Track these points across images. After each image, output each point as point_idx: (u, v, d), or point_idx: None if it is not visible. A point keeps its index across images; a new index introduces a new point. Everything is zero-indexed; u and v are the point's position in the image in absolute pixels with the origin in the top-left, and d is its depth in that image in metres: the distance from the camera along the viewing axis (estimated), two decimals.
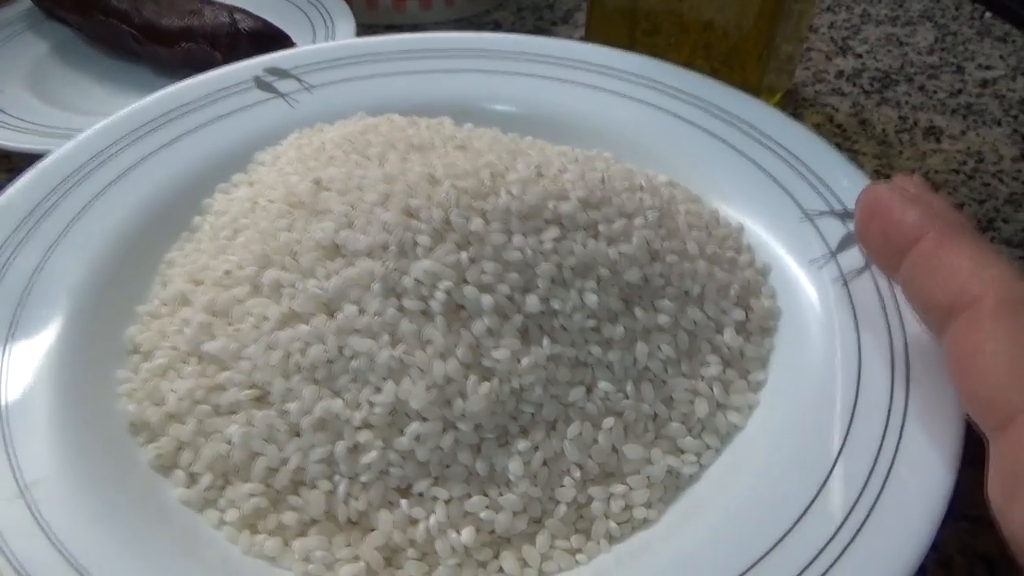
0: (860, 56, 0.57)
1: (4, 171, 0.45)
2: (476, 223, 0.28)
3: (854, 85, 0.54)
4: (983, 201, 0.45)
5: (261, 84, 0.41)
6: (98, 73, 0.51)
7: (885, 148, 0.48)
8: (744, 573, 0.23)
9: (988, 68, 0.56)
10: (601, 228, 0.29)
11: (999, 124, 0.50)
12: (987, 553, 0.29)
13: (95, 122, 0.44)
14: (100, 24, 0.50)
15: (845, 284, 0.30)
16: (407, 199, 0.29)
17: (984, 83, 0.55)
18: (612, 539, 0.26)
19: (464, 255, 0.28)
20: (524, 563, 0.25)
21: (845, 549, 0.23)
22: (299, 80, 0.41)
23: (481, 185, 0.29)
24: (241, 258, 0.30)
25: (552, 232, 0.29)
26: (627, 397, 0.28)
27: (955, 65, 0.56)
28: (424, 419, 0.26)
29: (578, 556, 0.25)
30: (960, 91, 0.54)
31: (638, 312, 0.29)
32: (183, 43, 0.47)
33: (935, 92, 0.53)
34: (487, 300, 0.27)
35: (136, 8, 0.49)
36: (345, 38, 0.51)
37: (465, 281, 0.28)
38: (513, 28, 0.60)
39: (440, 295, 0.27)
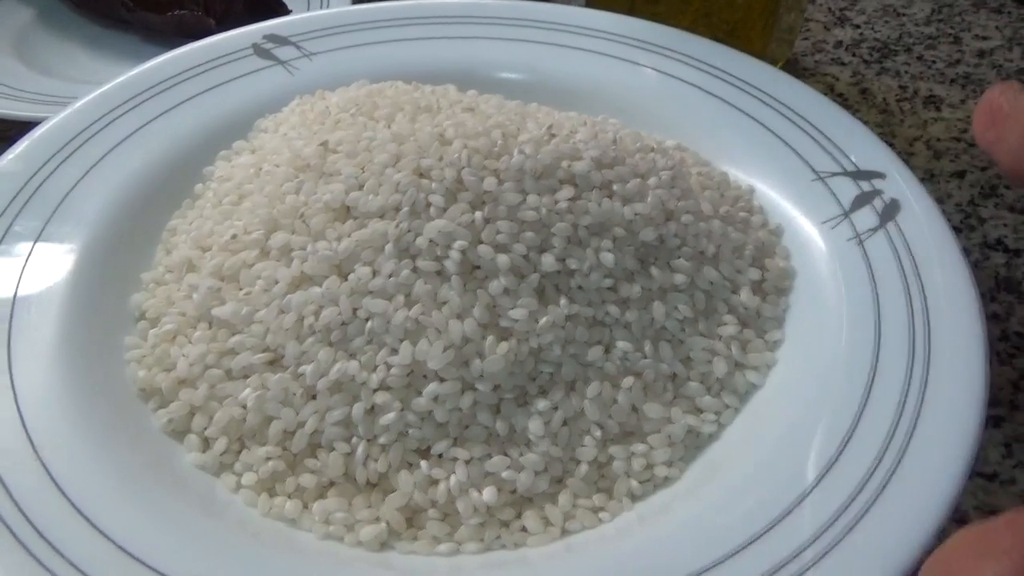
0: (858, 27, 0.57)
1: None
2: (489, 182, 0.28)
3: (853, 55, 0.54)
4: (984, 168, 0.45)
5: (260, 51, 0.40)
6: (85, 40, 0.50)
7: (887, 117, 0.48)
8: (769, 530, 0.23)
9: (984, 39, 0.56)
10: (615, 188, 0.29)
11: None
12: (1002, 509, 0.29)
13: (84, 89, 0.43)
14: None
15: (860, 243, 0.30)
16: (418, 159, 0.28)
17: (981, 53, 0.55)
18: (634, 498, 0.26)
19: (478, 215, 0.27)
20: (547, 522, 0.25)
21: (870, 506, 0.23)
22: (298, 47, 0.40)
23: (493, 145, 0.29)
24: (247, 222, 0.30)
25: (567, 191, 0.28)
26: (646, 356, 0.27)
27: (952, 36, 0.56)
28: (442, 380, 0.26)
29: (601, 515, 0.25)
30: (958, 61, 0.54)
31: (654, 271, 0.28)
32: (175, 9, 0.46)
33: (934, 62, 0.53)
34: (503, 260, 0.27)
35: None
36: (341, 4, 0.50)
37: (480, 241, 0.27)
38: None
39: (455, 255, 0.27)
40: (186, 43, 0.42)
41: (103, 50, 0.50)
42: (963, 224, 0.41)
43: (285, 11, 0.48)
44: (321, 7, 0.50)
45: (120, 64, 0.48)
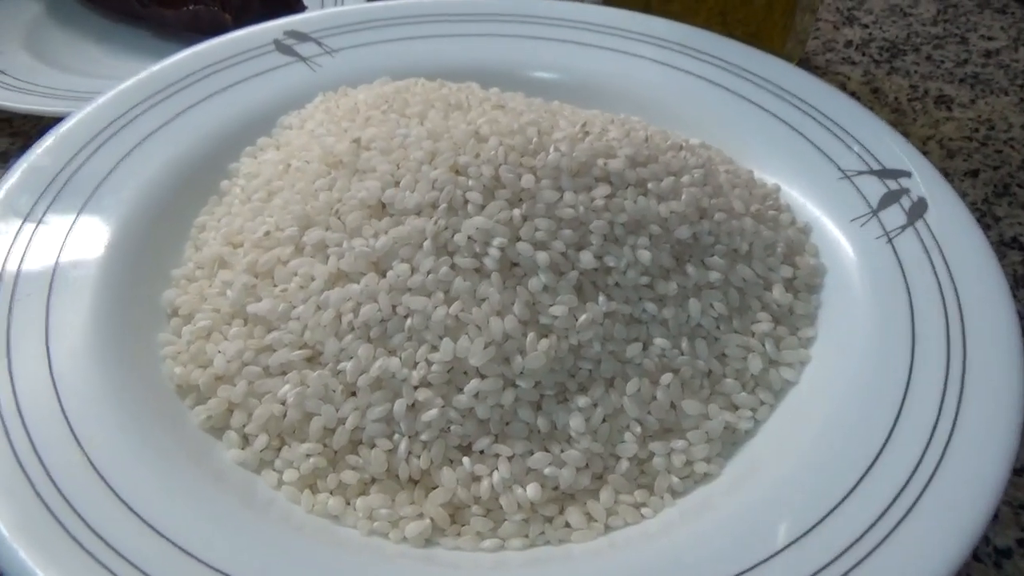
0: (866, 26, 0.58)
1: (6, 135, 0.43)
2: (527, 179, 0.28)
3: (863, 55, 0.54)
4: (997, 167, 0.45)
5: (281, 47, 0.40)
6: (96, 34, 0.50)
7: (899, 116, 0.49)
8: (813, 528, 0.23)
9: (990, 39, 0.57)
10: (650, 186, 0.29)
11: (1006, 93, 0.51)
12: None
13: (98, 85, 0.43)
14: None
15: (889, 241, 0.30)
16: (455, 156, 0.28)
17: (988, 53, 0.55)
18: (675, 494, 0.26)
19: (516, 212, 0.27)
20: (590, 518, 0.25)
21: (915, 503, 0.23)
22: (320, 44, 0.40)
23: (528, 142, 0.29)
24: (280, 219, 0.30)
25: (603, 189, 0.28)
26: (683, 353, 0.27)
27: (959, 36, 0.57)
28: (483, 376, 0.26)
29: (643, 510, 0.25)
30: (966, 61, 0.54)
31: (690, 269, 0.28)
32: (191, 5, 0.46)
33: (942, 62, 0.54)
34: (542, 257, 0.27)
35: None
36: (358, 1, 0.49)
37: (518, 238, 0.27)
38: None
39: (494, 252, 0.27)
40: (199, 38, 0.42)
41: (114, 44, 0.49)
42: (978, 223, 0.41)
43: (301, 7, 0.48)
44: (336, 4, 0.50)
45: (132, 59, 0.48)
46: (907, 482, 0.23)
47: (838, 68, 0.53)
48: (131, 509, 0.22)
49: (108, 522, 0.21)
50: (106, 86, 0.43)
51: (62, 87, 0.44)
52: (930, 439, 0.24)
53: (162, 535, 0.21)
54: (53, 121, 0.41)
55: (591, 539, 0.25)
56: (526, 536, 0.24)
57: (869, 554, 0.22)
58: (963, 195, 0.43)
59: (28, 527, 0.21)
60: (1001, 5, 0.61)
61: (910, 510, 0.22)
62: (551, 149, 0.29)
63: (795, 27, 0.46)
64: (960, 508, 0.22)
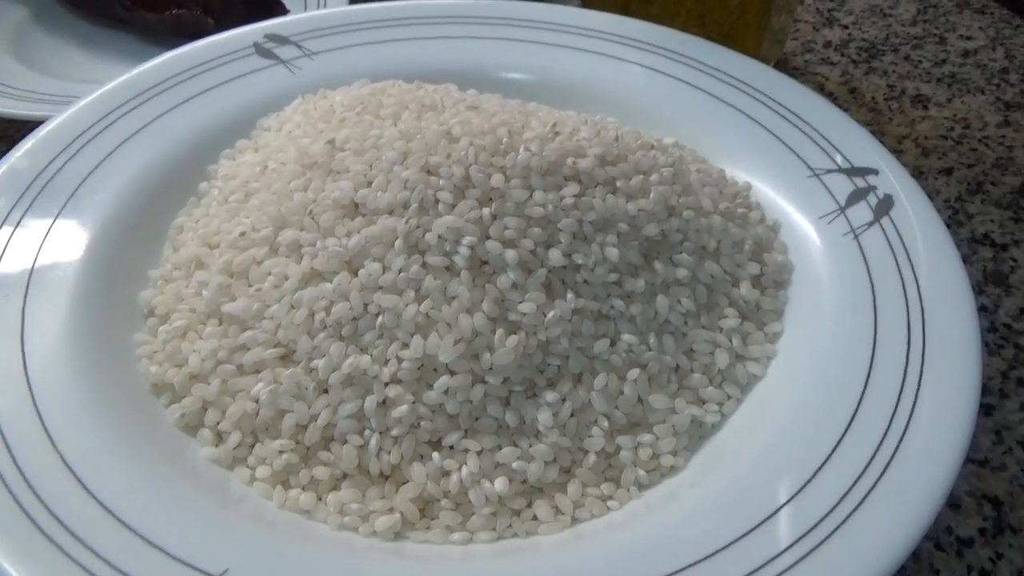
0: (846, 27, 0.58)
1: None
2: (496, 179, 0.28)
3: (842, 55, 0.55)
4: (972, 165, 0.46)
5: (261, 50, 0.40)
6: (81, 38, 0.50)
7: (876, 115, 0.49)
8: (772, 515, 0.24)
9: (969, 39, 0.57)
10: (619, 184, 0.30)
11: (982, 92, 0.52)
12: (994, 494, 0.30)
13: (81, 88, 0.44)
14: None
15: (856, 238, 0.31)
16: (426, 156, 0.29)
17: (966, 53, 0.56)
18: (641, 486, 0.26)
19: (486, 211, 0.28)
20: (557, 510, 0.25)
21: (871, 490, 0.23)
22: (299, 46, 0.41)
23: (499, 142, 0.29)
24: (255, 220, 0.30)
25: (572, 188, 0.29)
26: (650, 349, 0.28)
27: (937, 36, 0.58)
28: (453, 373, 0.26)
29: (609, 503, 0.26)
30: (944, 61, 0.55)
31: (658, 266, 0.29)
32: (173, 8, 0.46)
33: (920, 62, 0.55)
34: (511, 255, 0.27)
35: None
36: (338, 4, 0.50)
37: (488, 236, 0.28)
38: None
39: (464, 250, 0.27)
40: (183, 42, 0.42)
41: (99, 49, 0.50)
42: (951, 220, 0.42)
43: (283, 11, 0.48)
44: (319, 7, 0.50)
45: (116, 63, 0.48)
46: (863, 472, 0.24)
47: (817, 68, 0.53)
48: (104, 506, 0.22)
49: (81, 519, 0.22)
50: (91, 90, 0.44)
51: (48, 91, 0.44)
52: (887, 431, 0.24)
53: (135, 532, 0.22)
54: (37, 125, 0.41)
55: (558, 531, 0.25)
56: (494, 529, 0.25)
57: (824, 540, 0.22)
58: (937, 192, 0.44)
59: (1, 525, 0.22)
60: (980, 5, 0.62)
61: (865, 498, 0.23)
62: (521, 149, 0.29)
63: (771, 27, 0.47)
64: (914, 496, 0.23)
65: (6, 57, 0.47)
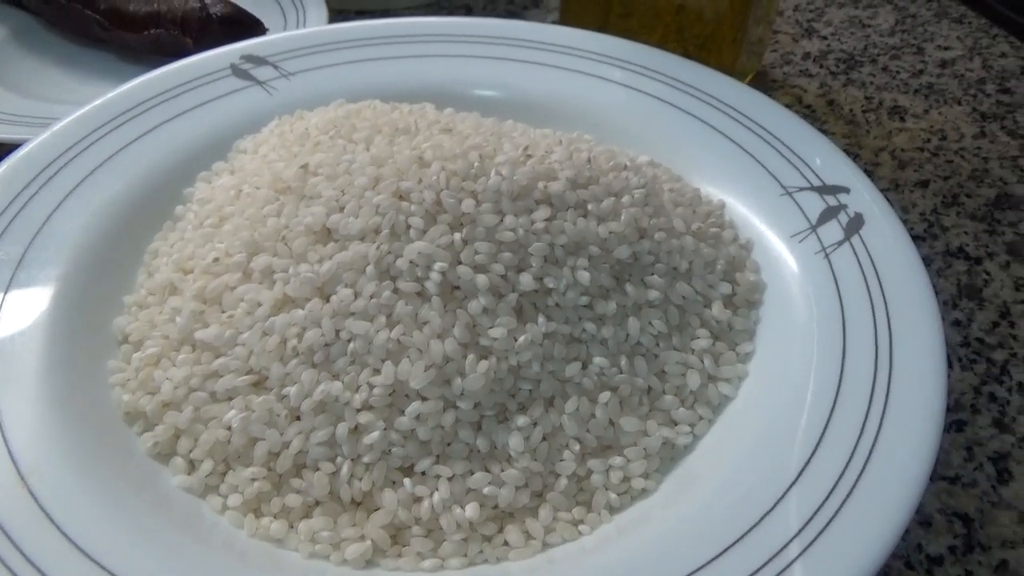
0: (825, 38, 0.58)
1: None
2: (467, 204, 0.29)
3: (821, 67, 0.55)
4: (947, 177, 0.46)
5: (238, 72, 0.40)
6: (61, 59, 0.50)
7: (853, 127, 0.50)
8: (743, 536, 0.24)
9: (946, 49, 0.58)
10: (590, 207, 0.30)
11: (959, 103, 0.52)
12: (964, 511, 0.30)
13: (62, 110, 0.44)
14: (63, 10, 0.49)
15: (827, 256, 0.31)
16: (398, 182, 0.29)
17: (943, 63, 0.56)
18: (613, 510, 0.26)
19: (457, 236, 0.28)
20: (528, 535, 0.26)
21: (839, 510, 0.24)
22: (276, 67, 0.41)
23: (470, 167, 0.30)
24: (229, 245, 0.30)
25: (543, 212, 0.29)
26: (621, 371, 0.28)
27: (915, 46, 0.58)
28: (424, 398, 0.26)
29: (580, 527, 0.26)
30: (921, 71, 0.55)
31: (629, 288, 0.29)
32: (151, 29, 0.46)
33: (898, 73, 0.55)
34: (482, 280, 0.27)
35: None
36: (317, 24, 0.50)
37: (459, 262, 0.28)
38: (483, 12, 0.60)
39: (435, 276, 0.27)
40: (162, 60, 0.42)
41: (79, 69, 0.50)
42: (926, 233, 0.42)
43: (262, 30, 0.48)
44: (298, 27, 0.50)
45: (96, 83, 0.48)
46: (830, 492, 0.24)
47: (795, 81, 0.54)
48: (72, 542, 0.22)
49: (48, 555, 0.22)
50: (70, 111, 0.44)
51: (28, 113, 0.44)
52: (853, 450, 0.25)
53: (104, 568, 0.22)
54: (15, 147, 0.41)
55: (529, 556, 0.25)
56: (465, 555, 0.25)
57: (794, 560, 0.23)
58: (913, 205, 0.44)
59: None
60: (959, 14, 0.62)
61: (833, 517, 0.23)
62: (492, 173, 0.29)
63: (748, 39, 0.47)
64: (881, 515, 0.23)
65: None
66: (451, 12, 0.59)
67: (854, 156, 0.47)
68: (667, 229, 0.31)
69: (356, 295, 0.28)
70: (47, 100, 0.46)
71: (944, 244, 0.42)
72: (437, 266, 0.27)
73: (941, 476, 0.31)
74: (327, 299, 0.28)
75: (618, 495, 0.27)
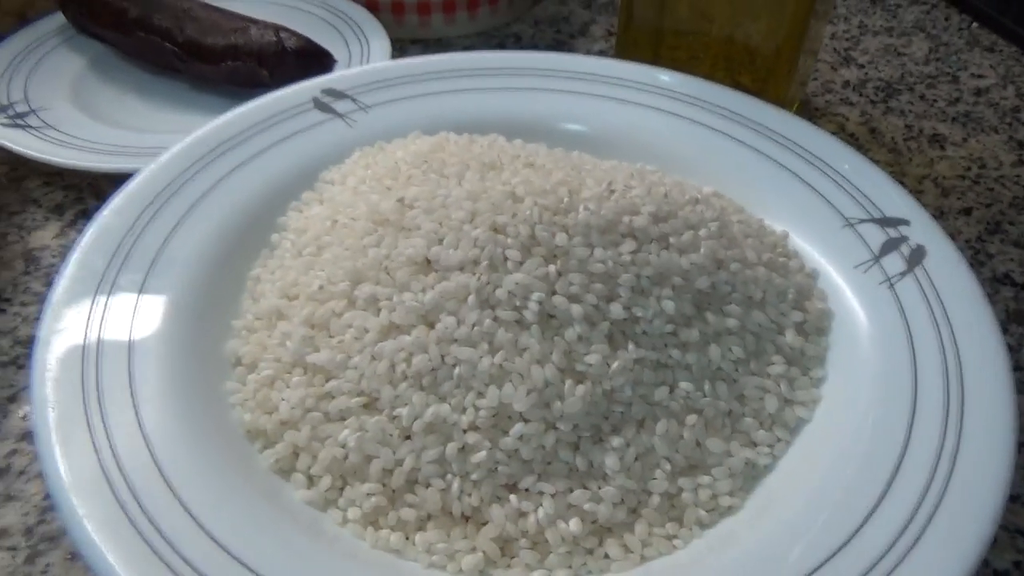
0: (862, 66, 0.61)
1: (59, 187, 0.46)
2: (560, 238, 0.31)
3: (860, 95, 0.57)
4: (989, 205, 0.48)
5: (320, 105, 0.42)
6: (138, 88, 0.53)
7: (896, 156, 0.52)
8: (829, 559, 0.25)
9: (980, 77, 0.60)
10: (671, 240, 0.32)
11: (996, 131, 0.54)
12: None
13: (144, 139, 0.46)
14: (140, 41, 0.51)
15: (891, 286, 0.33)
16: (493, 216, 0.31)
17: (978, 91, 0.58)
18: (703, 526, 0.28)
19: (552, 268, 0.30)
20: (627, 549, 0.27)
21: (921, 533, 0.25)
22: (355, 100, 0.43)
23: (560, 201, 0.32)
24: (331, 273, 0.32)
25: (628, 245, 0.31)
26: (705, 395, 0.30)
27: (950, 75, 0.60)
28: (527, 420, 0.28)
29: (675, 542, 0.28)
30: (957, 100, 0.57)
31: (709, 317, 0.31)
32: (228, 61, 0.49)
33: (935, 101, 0.57)
34: (576, 309, 0.29)
35: (179, 26, 0.50)
36: (380, 54, 0.52)
37: (555, 292, 0.30)
38: (532, 40, 0.62)
39: (533, 305, 0.29)
40: (237, 90, 0.44)
41: (155, 97, 0.52)
42: (973, 260, 0.44)
43: (331, 60, 0.51)
44: (363, 57, 0.52)
45: (173, 111, 0.51)
46: (912, 515, 0.26)
47: (837, 109, 0.56)
48: (219, 544, 0.24)
49: (201, 556, 0.24)
50: (149, 139, 0.46)
51: (112, 142, 0.46)
52: (934, 472, 0.27)
53: (249, 568, 0.24)
54: (101, 173, 0.44)
55: (629, 569, 0.27)
56: (570, 567, 0.27)
57: None
58: (958, 233, 0.46)
59: (134, 563, 0.24)
60: (989, 43, 0.64)
61: (917, 540, 0.25)
62: (580, 208, 0.31)
63: (797, 71, 0.49)
64: (962, 536, 0.25)
65: (67, 106, 0.50)
66: (501, 39, 0.62)
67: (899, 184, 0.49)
68: (741, 260, 0.33)
69: (459, 323, 0.30)
70: (130, 128, 0.48)
71: (991, 271, 0.43)
72: (535, 296, 0.29)
73: None
74: (431, 326, 0.30)
75: (707, 512, 0.28)
